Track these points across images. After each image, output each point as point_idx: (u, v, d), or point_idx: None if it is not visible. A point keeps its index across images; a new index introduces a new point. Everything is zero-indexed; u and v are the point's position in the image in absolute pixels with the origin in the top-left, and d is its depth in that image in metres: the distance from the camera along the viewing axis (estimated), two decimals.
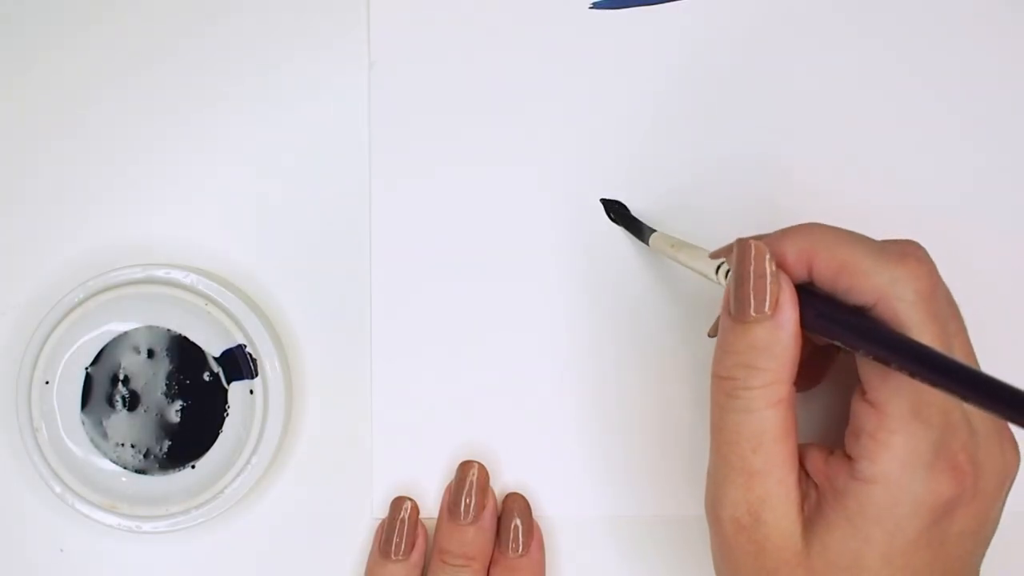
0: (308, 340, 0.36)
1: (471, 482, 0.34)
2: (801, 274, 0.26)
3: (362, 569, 0.35)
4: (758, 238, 0.27)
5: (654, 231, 0.33)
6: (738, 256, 0.26)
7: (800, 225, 0.27)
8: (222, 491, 0.33)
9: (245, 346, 0.33)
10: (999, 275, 0.35)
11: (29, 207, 0.36)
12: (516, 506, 0.34)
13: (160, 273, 0.34)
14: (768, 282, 0.26)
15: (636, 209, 0.35)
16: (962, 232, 0.35)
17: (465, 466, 0.34)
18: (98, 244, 0.36)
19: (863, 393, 0.26)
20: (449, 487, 0.35)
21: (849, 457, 0.26)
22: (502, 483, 0.35)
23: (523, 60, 0.36)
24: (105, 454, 0.34)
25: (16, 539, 0.35)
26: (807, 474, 0.27)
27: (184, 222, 0.36)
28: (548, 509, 0.35)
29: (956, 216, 0.35)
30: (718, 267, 0.29)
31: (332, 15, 0.36)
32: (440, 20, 0.36)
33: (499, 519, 0.34)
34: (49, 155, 0.36)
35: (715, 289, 0.31)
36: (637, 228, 0.34)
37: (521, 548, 0.34)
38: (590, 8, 0.36)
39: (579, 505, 0.35)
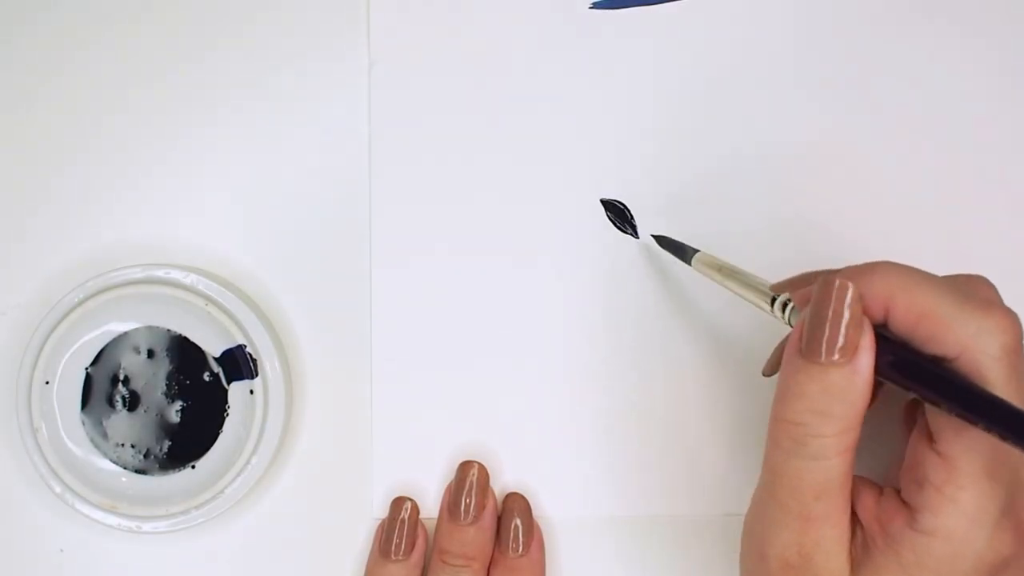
0: (308, 340, 0.36)
1: (471, 482, 0.34)
2: (877, 317, 0.25)
3: (362, 569, 0.35)
4: (830, 274, 0.25)
5: (697, 251, 0.32)
6: (820, 294, 0.25)
7: (875, 264, 0.26)
8: (222, 491, 0.33)
9: (245, 346, 0.33)
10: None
11: (29, 207, 0.36)
12: (516, 506, 0.34)
13: (160, 273, 0.34)
14: (850, 325, 0.24)
15: (636, 209, 0.35)
16: (969, 225, 0.35)
17: (465, 466, 0.34)
18: (98, 244, 0.36)
19: (931, 441, 0.25)
20: (449, 487, 0.35)
21: (905, 503, 0.26)
22: (502, 483, 0.35)
23: (523, 60, 0.36)
24: (105, 454, 0.34)
25: (16, 539, 0.35)
26: (854, 512, 0.26)
27: (184, 222, 0.36)
28: (548, 509, 0.35)
29: (963, 212, 0.35)
30: (773, 299, 0.28)
31: (332, 15, 0.36)
32: (440, 20, 0.36)
33: (499, 519, 0.34)
34: (49, 156, 0.36)
35: (717, 285, 0.31)
36: (679, 249, 0.33)
37: (521, 548, 0.34)
38: (590, 8, 0.36)
39: (579, 505, 0.35)
